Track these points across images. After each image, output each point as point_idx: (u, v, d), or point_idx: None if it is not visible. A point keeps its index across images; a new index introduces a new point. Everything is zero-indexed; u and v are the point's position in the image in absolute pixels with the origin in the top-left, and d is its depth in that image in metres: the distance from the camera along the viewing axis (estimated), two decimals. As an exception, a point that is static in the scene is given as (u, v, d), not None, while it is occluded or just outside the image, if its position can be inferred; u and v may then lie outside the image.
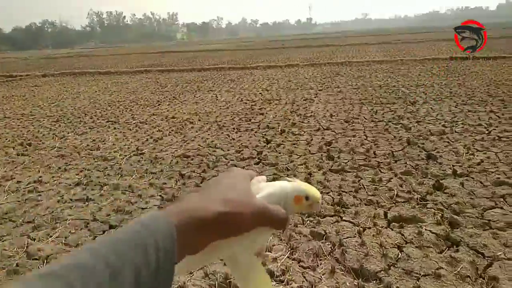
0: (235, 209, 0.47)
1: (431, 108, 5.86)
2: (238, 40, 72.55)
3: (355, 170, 3.50)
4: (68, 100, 8.98)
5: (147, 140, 5.20)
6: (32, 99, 9.55)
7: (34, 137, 5.71)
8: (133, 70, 15.47)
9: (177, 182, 3.64)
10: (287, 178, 0.58)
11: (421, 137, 4.38)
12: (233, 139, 4.96)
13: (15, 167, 4.42)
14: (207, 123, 5.91)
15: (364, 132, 4.76)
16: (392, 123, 5.11)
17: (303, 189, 0.55)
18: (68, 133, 5.86)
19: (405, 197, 2.91)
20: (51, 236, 2.74)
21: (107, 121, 6.50)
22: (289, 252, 2.35)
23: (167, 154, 4.50)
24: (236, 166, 3.90)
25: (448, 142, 4.15)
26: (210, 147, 4.67)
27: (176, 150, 4.63)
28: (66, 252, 2.50)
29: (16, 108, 8.38)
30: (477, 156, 3.67)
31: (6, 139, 5.70)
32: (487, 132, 4.44)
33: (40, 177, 4.00)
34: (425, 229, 2.43)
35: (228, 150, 4.50)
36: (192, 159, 4.24)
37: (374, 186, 3.15)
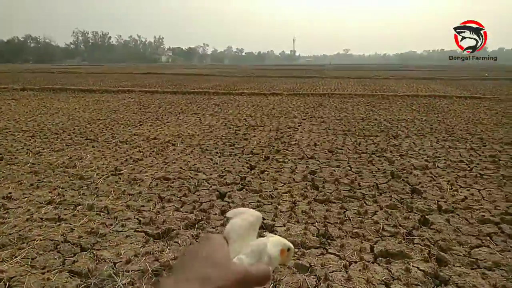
0: (216, 285, 0.45)
1: (413, 142, 5.97)
2: (223, 66, 73.58)
3: (340, 201, 3.46)
4: (46, 116, 8.70)
5: (126, 160, 5.02)
6: (8, 113, 9.21)
7: (6, 152, 5.43)
8: (116, 89, 15.28)
9: (155, 205, 3.48)
10: (264, 233, 0.60)
11: (405, 171, 4.41)
12: (216, 163, 4.86)
13: (-17, 182, 4.15)
14: (189, 146, 5.80)
15: (348, 163, 4.76)
16: (376, 156, 5.14)
17: (286, 242, 0.57)
18: (43, 149, 5.61)
19: (391, 231, 2.86)
20: (16, 257, 2.52)
21: (86, 139, 6.29)
22: (272, 285, 2.23)
23: (147, 175, 4.34)
24: (218, 191, 3.79)
25: (432, 177, 4.19)
26: (192, 170, 4.54)
27: (156, 172, 4.47)
28: (31, 274, 2.30)
29: (-10, 120, 8.04)
30: (461, 192, 3.70)
31: (-24, 152, 5.40)
32: (469, 169, 4.52)
33: (9, 193, 3.76)
34: (413, 266, 2.37)
35: (211, 174, 4.39)
36: (172, 182, 4.10)
37: (359, 219, 3.10)
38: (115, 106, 10.55)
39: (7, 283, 2.23)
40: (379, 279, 2.26)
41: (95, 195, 3.75)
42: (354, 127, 7.32)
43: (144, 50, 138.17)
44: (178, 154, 5.35)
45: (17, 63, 77.67)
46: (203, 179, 4.19)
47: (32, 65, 66.88)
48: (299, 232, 2.84)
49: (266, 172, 4.38)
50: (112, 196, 3.69)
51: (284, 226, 2.96)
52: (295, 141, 6.08)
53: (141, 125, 7.64)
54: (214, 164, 4.83)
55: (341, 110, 9.66)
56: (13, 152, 5.43)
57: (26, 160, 5.00)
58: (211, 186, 3.95)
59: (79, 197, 3.69)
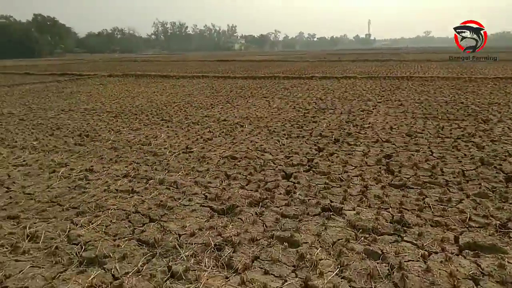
0: None
1: (508, 127, 5.23)
2: (294, 52, 72.69)
3: (419, 187, 3.11)
4: (128, 99, 9.35)
5: (197, 139, 5.15)
6: (96, 96, 10.09)
7: (92, 130, 5.92)
8: (191, 75, 15.90)
9: (222, 182, 3.48)
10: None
11: (498, 157, 3.85)
12: (283, 144, 4.74)
13: (71, 155, 4.56)
14: (257, 128, 5.76)
15: (429, 148, 4.30)
16: (462, 141, 4.58)
17: None
18: (123, 128, 6.01)
19: (480, 222, 2.49)
20: (92, 223, 2.69)
21: (161, 120, 6.60)
22: (338, 269, 2.07)
23: (215, 154, 4.39)
24: (284, 171, 3.67)
25: (532, 165, 3.60)
26: (259, 150, 4.49)
27: (224, 151, 4.50)
28: (104, 240, 2.43)
29: (81, 103, 8.87)
30: None
31: (67, 130, 5.97)
32: None
33: (91, 166, 4.07)
34: (508, 262, 2.03)
35: (277, 155, 4.28)
36: (239, 161, 4.08)
37: (441, 207, 2.75)
38: (189, 90, 10.96)
39: (83, 247, 2.37)
40: (465, 274, 1.96)
41: (166, 170, 3.89)
42: (437, 110, 6.65)
43: (218, 38, 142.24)
44: (246, 135, 5.34)
45: (106, 53, 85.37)
46: (269, 159, 4.10)
47: (118, 55, 72.93)
48: (370, 217, 2.61)
49: (336, 155, 4.15)
50: (182, 172, 3.78)
51: (354, 210, 2.74)
52: (369, 124, 5.69)
53: (212, 107, 7.81)
54: (281, 145, 4.71)
55: (422, 93, 8.87)
56: (97, 130, 5.90)
57: (108, 137, 5.39)
58: (277, 167, 3.84)
59: (152, 172, 3.86)
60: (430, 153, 4.07)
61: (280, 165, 3.91)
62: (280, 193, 3.12)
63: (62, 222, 2.75)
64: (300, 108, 7.33)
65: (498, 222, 2.47)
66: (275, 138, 5.07)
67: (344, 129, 5.43)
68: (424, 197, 2.92)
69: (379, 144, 4.55)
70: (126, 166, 4.06)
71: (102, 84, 13.26)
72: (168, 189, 3.37)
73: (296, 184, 3.30)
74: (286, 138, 5.04)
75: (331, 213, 2.71)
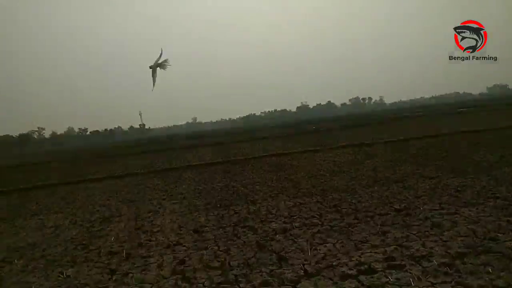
0: None
1: (269, 205, 6.41)
2: (66, 149, 66.95)
3: (214, 290, 3.35)
4: None
5: None
6: None
7: None
8: None
9: None
10: None
11: (268, 238, 4.64)
12: (68, 276, 4.16)
13: None
14: (32, 260, 4.85)
15: (215, 241, 4.74)
16: (239, 227, 5.29)
17: None
18: None
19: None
20: None
21: None
22: None
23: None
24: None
25: (293, 239, 4.49)
26: (37, 294, 3.76)
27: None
28: None
29: None
30: (320, 250, 4.05)
31: None
32: (320, 223, 5.04)
33: None
34: None
35: (63, 293, 3.70)
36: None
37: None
38: None
39: None
40: None
41: None
42: (214, 198, 7.47)
43: None
44: (17, 275, 4.39)
45: None
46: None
47: None
48: None
49: (130, 274, 3.96)
50: None
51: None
52: (158, 227, 5.78)
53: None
54: (65, 277, 4.12)
55: (200, 182, 9.79)
56: None
57: None
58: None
59: None
60: (217, 248, 4.49)
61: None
62: None
63: None
64: (82, 222, 6.70)
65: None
66: (57, 270, 4.38)
67: (135, 238, 5.29)
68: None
69: (171, 249, 4.66)
70: None
71: None
72: None
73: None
74: (72, 267, 4.45)
75: None
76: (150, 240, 5.13)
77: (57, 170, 18.69)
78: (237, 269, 3.78)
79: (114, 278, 3.93)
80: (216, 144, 26.87)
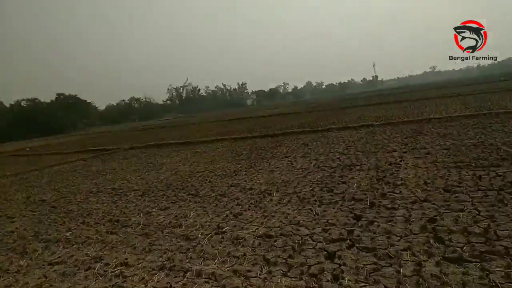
0: None
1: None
2: (305, 102, 74.22)
3: (478, 260, 2.88)
4: (152, 173, 9.48)
5: (227, 215, 5.05)
6: (120, 172, 10.29)
7: (121, 213, 5.92)
8: (210, 139, 16.20)
9: (262, 269, 3.33)
10: None
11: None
12: (317, 214, 4.59)
13: (104, 247, 4.51)
14: (286, 195, 5.64)
15: (474, 205, 4.07)
16: (506, 192, 4.34)
17: None
18: (152, 208, 5.99)
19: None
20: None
21: (188, 195, 6.58)
22: None
23: (249, 233, 4.26)
24: (326, 250, 3.49)
25: None
26: (293, 224, 4.34)
27: (257, 228, 4.38)
28: None
29: (107, 182, 9.02)
30: None
31: (98, 216, 5.99)
32: None
33: (126, 259, 3.99)
34: None
35: (314, 228, 4.12)
36: (275, 240, 3.93)
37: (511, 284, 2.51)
38: (211, 156, 11.08)
39: None
40: None
41: (202, 258, 3.76)
42: (467, 156, 6.43)
43: (230, 96, 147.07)
44: (276, 205, 5.23)
45: (126, 123, 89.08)
46: (306, 235, 3.95)
47: (137, 123, 75.95)
48: (431, 303, 2.39)
49: (376, 223, 3.96)
50: (218, 260, 3.65)
51: (411, 294, 2.53)
52: (401, 180, 5.52)
53: (236, 174, 7.79)
54: (314, 215, 4.57)
55: (446, 137, 8.69)
56: (127, 213, 5.89)
57: (138, 221, 5.35)
58: (316, 244, 3.68)
59: (187, 261, 3.74)
60: (477, 212, 3.84)
61: (320, 241, 3.74)
62: (328, 280, 2.93)
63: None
64: (325, 167, 7.23)
65: None
66: (307, 207, 4.93)
67: (377, 189, 5.26)
68: (488, 273, 2.68)
69: (418, 205, 4.35)
70: (160, 256, 3.96)
71: (126, 158, 13.59)
72: (207, 282, 3.23)
73: (342, 267, 3.11)
74: (319, 206, 4.90)
75: (387, 301, 2.50)
76: (393, 192, 4.97)
77: (299, 119, 20.91)
78: (507, 241, 3.11)
79: (359, 224, 4.04)
80: (459, 95, 23.11)
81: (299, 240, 3.83)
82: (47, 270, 4.02)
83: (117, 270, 3.74)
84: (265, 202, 5.45)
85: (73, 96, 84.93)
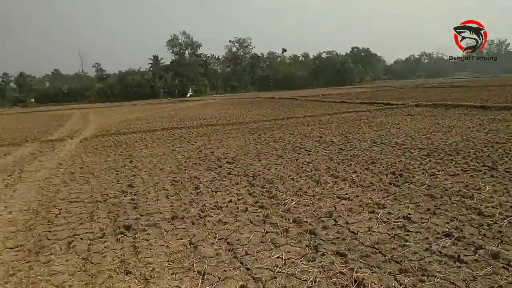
0: None
1: None
2: None
3: None
4: (439, 134, 8.82)
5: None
6: (404, 129, 10.16)
7: (404, 169, 5.90)
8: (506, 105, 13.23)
9: None
10: None
11: None
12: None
13: (387, 196, 4.67)
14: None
15: None
16: None
17: None
18: (438, 171, 5.63)
19: None
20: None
21: (483, 165, 5.74)
22: None
23: None
24: None
25: None
26: None
27: None
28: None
29: (391, 136, 9.15)
30: None
31: (381, 165, 6.23)
32: None
33: (409, 214, 3.99)
34: None
35: None
36: None
37: None
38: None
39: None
40: None
41: (499, 240, 3.24)
42: None
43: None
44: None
45: (411, 79, 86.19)
46: None
47: (423, 80, 71.82)
48: None
49: None
50: (523, 249, 3.04)
51: None
52: None
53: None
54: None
55: None
56: (410, 170, 5.81)
57: (422, 181, 5.18)
58: None
59: (480, 238, 3.32)
60: None
61: None
62: None
63: (386, 275, 2.78)
64: None
65: None
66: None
67: None
68: None
69: None
70: (447, 222, 3.71)
71: (410, 115, 13.25)
72: (506, 269, 2.77)
73: None
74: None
75: None
76: None
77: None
78: None
79: None
80: None
81: None
82: (336, 202, 4.60)
83: (400, 222, 3.81)
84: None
85: (365, 50, 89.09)
